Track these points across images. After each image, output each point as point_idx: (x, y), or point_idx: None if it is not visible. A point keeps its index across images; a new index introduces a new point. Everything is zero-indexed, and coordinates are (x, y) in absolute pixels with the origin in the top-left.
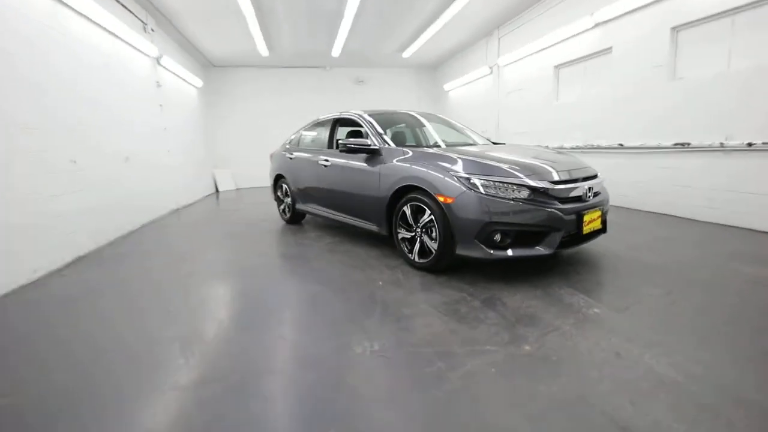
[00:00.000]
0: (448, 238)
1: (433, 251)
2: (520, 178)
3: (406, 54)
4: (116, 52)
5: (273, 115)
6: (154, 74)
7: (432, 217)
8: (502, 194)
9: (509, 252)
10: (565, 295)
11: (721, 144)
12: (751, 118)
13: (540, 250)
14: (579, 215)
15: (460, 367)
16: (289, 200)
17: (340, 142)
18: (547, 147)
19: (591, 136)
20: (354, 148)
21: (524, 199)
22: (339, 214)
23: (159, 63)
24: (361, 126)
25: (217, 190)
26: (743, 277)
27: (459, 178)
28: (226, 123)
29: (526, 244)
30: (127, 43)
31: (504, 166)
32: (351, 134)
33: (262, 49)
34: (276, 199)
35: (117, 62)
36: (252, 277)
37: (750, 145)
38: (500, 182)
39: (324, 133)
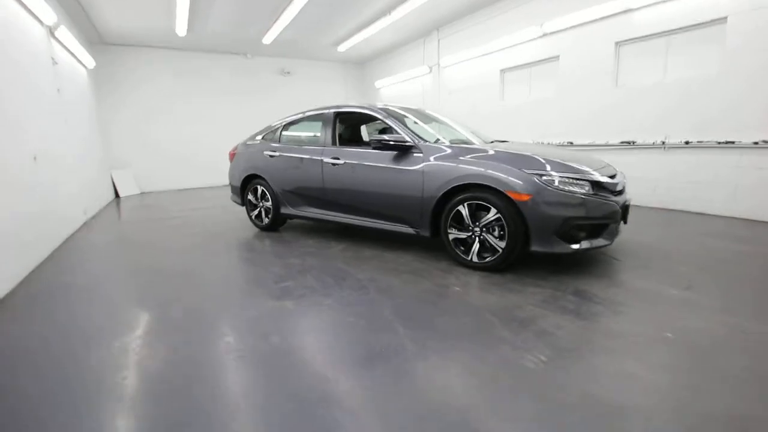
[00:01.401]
0: (519, 236)
1: (500, 250)
2: (589, 173)
3: (342, 48)
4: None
5: (186, 105)
6: (49, 49)
7: (499, 215)
8: (574, 189)
9: (582, 245)
10: (633, 280)
11: (663, 142)
12: (686, 121)
13: (602, 241)
14: (624, 207)
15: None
16: (268, 204)
17: (372, 138)
18: (549, 144)
19: (537, 135)
20: (391, 145)
21: (592, 193)
22: (353, 217)
23: (53, 34)
24: (382, 120)
25: (117, 195)
26: (726, 250)
27: (532, 174)
28: (123, 114)
29: (593, 236)
30: (19, 2)
31: (573, 163)
32: (380, 131)
33: (181, 27)
34: (246, 204)
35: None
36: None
37: (687, 143)
38: (572, 178)
39: (320, 128)
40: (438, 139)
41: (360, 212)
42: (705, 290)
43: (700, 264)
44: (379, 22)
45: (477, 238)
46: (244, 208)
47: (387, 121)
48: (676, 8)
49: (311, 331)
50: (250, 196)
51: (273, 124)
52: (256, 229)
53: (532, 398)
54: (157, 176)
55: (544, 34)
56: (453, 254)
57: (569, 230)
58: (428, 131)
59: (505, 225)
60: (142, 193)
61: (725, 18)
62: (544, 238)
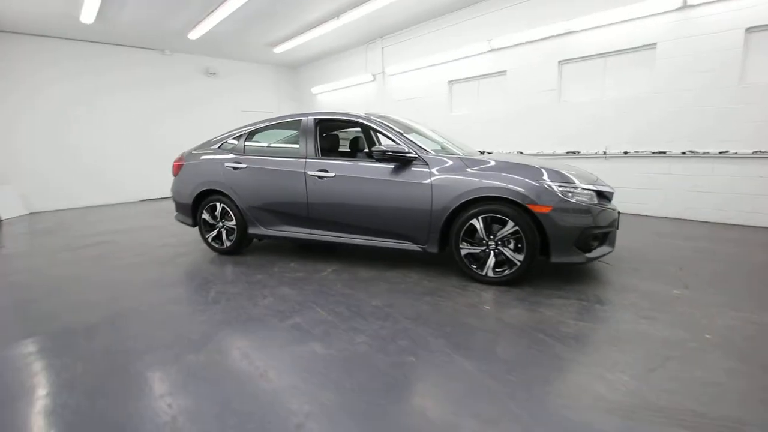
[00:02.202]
0: (537, 248)
1: (517, 263)
2: (598, 184)
3: (279, 49)
4: None
5: (85, 108)
6: None
7: (517, 227)
8: (585, 199)
9: (594, 253)
10: (637, 283)
11: (604, 152)
12: (623, 134)
13: (607, 248)
14: (619, 214)
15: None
16: (231, 223)
17: (374, 150)
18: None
19: (486, 146)
20: (395, 156)
21: (598, 203)
22: (345, 236)
23: None
24: (376, 129)
25: None
26: (689, 249)
27: (552, 186)
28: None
29: (602, 244)
30: None
31: (573, 173)
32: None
33: (88, 14)
34: (200, 224)
35: None
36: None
37: (625, 153)
38: (585, 189)
39: (298, 137)
40: (440, 150)
41: (354, 230)
42: (701, 288)
43: (678, 263)
44: (326, 25)
45: (492, 252)
46: (195, 229)
47: (384, 130)
48: (613, 33)
49: (384, 384)
50: (205, 215)
51: (232, 131)
52: (213, 253)
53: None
54: (52, 193)
55: (492, 49)
56: (465, 269)
57: (586, 239)
58: (427, 141)
59: (523, 237)
60: (32, 214)
61: (655, 44)
62: (564, 248)
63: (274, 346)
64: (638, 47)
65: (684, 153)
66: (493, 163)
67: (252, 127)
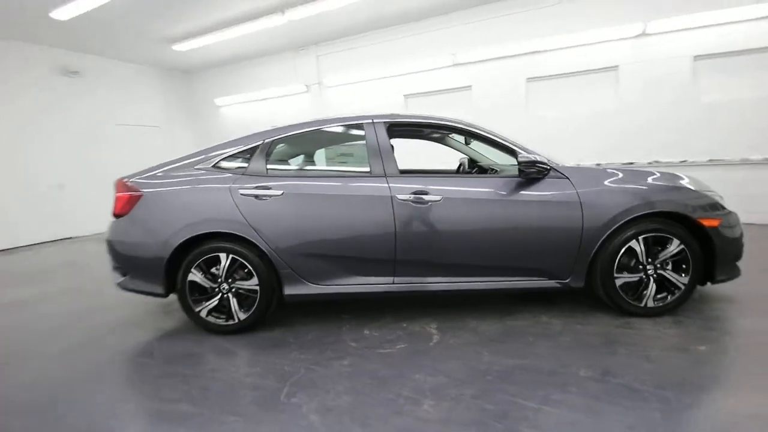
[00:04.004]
0: (701, 267)
1: (681, 287)
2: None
3: (181, 47)
4: None
5: None
6: None
7: (683, 246)
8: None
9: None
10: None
11: (578, 164)
12: (592, 147)
13: None
14: None
15: None
16: (249, 284)
17: (522, 160)
18: None
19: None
20: (542, 169)
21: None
22: (449, 281)
23: None
24: (484, 136)
25: None
26: None
27: (711, 194)
28: None
29: None
30: None
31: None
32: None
33: None
34: (184, 291)
35: None
36: None
37: (598, 164)
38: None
39: (355, 149)
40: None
41: (465, 271)
42: None
43: None
44: (256, 23)
45: (651, 278)
46: (158, 297)
47: (502, 140)
48: (579, 55)
49: None
50: (195, 276)
51: (224, 145)
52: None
53: None
54: None
55: (456, 64)
56: (618, 302)
57: (741, 251)
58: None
59: (689, 257)
60: None
61: (617, 66)
62: (727, 265)
63: None
64: (604, 68)
65: (650, 163)
66: (621, 174)
67: (269, 137)
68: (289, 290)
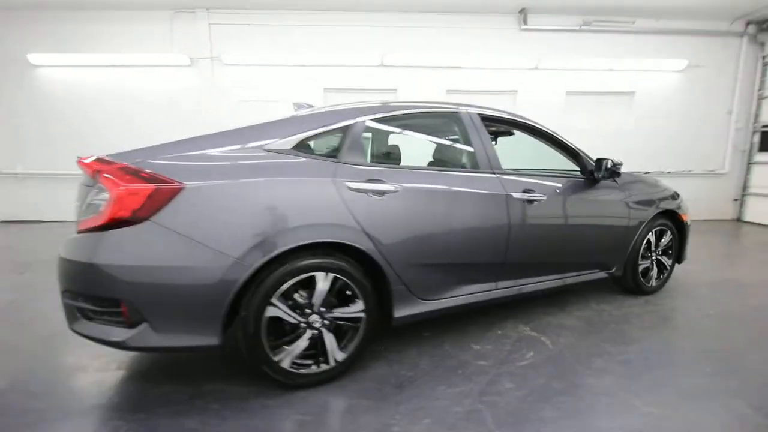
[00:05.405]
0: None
1: (668, 268)
2: None
3: None
4: None
5: None
6: None
7: (671, 237)
8: None
9: None
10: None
11: None
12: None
13: None
14: None
15: None
16: (353, 310)
17: (612, 161)
18: None
19: None
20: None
21: None
22: (534, 281)
23: None
24: (555, 138)
25: None
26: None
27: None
28: None
29: None
30: None
31: None
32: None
33: None
34: (261, 334)
35: None
36: None
37: None
38: None
39: (461, 139)
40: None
41: (546, 270)
42: None
43: None
44: None
45: (653, 263)
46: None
47: (567, 142)
48: (490, 76)
49: None
50: (279, 309)
51: (312, 118)
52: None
53: None
54: None
55: (383, 65)
56: (636, 285)
57: None
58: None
59: (675, 245)
60: None
61: (634, 92)
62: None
63: None
64: (506, 90)
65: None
66: (643, 179)
67: (360, 116)
68: (400, 311)
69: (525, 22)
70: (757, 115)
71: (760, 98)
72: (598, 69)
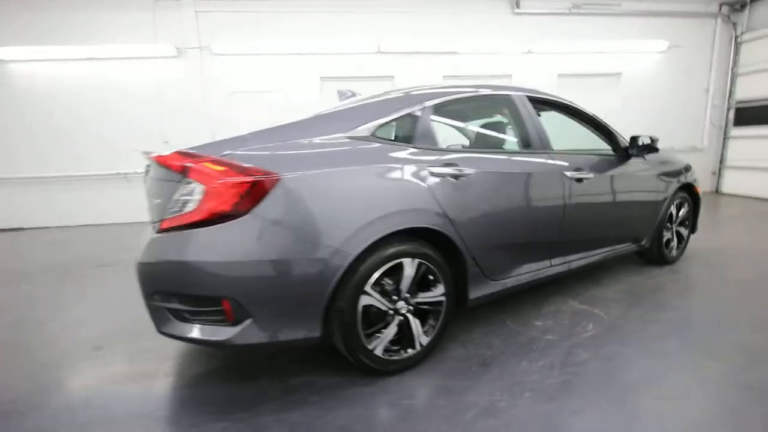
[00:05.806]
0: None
1: (684, 237)
2: None
3: None
4: None
5: None
6: None
7: (688, 208)
8: None
9: None
10: None
11: None
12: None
13: None
14: None
15: None
16: (434, 295)
17: (649, 137)
18: None
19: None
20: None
21: None
22: (578, 257)
23: None
24: (589, 116)
25: None
26: None
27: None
28: None
29: None
30: None
31: None
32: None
33: None
34: (357, 322)
35: None
36: None
37: None
38: None
39: (503, 123)
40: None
41: (588, 246)
42: None
43: None
44: None
45: (674, 234)
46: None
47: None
48: (485, 61)
49: None
50: (373, 297)
51: (382, 105)
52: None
53: None
54: None
55: (380, 51)
56: (660, 256)
57: None
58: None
59: (691, 217)
60: None
61: (620, 73)
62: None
63: None
64: (500, 75)
65: None
66: (668, 154)
67: (428, 101)
68: (474, 293)
69: (518, 5)
70: (731, 92)
71: (734, 76)
72: (587, 51)
